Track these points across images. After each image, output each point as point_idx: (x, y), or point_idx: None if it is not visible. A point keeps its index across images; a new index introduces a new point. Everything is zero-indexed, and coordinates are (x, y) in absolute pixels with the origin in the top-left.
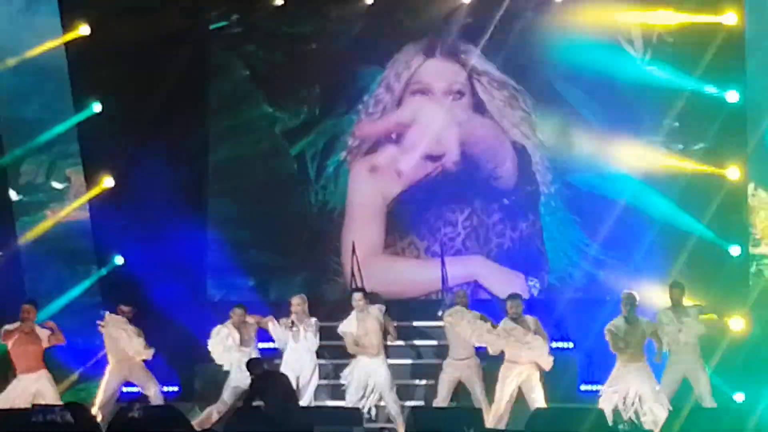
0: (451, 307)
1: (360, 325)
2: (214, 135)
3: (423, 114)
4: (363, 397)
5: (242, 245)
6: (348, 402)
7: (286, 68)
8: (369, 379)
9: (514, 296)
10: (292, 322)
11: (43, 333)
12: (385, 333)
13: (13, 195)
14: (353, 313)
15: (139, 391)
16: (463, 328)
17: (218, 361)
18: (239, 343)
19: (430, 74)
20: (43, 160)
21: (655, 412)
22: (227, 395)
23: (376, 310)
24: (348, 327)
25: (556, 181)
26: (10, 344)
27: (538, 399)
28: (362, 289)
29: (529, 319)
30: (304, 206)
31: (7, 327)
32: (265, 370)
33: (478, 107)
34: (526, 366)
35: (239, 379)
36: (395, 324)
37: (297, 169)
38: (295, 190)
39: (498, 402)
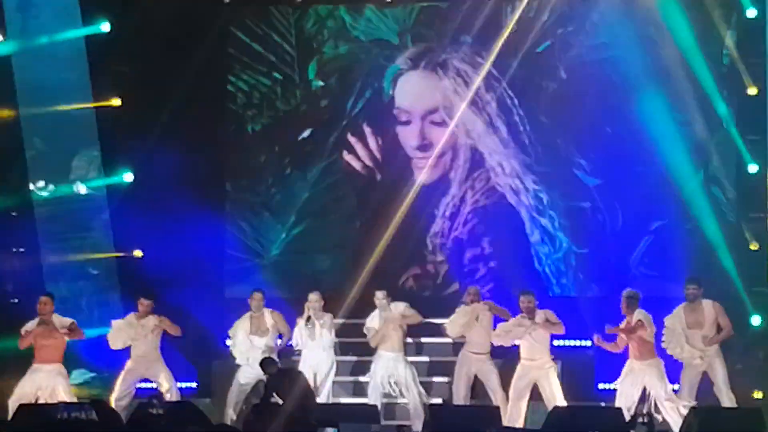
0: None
1: (382, 322)
2: (233, 132)
3: None
4: (385, 394)
5: (260, 240)
6: (370, 399)
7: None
8: (390, 377)
9: (526, 291)
10: (308, 318)
11: (62, 325)
12: (407, 330)
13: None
14: (377, 311)
15: (155, 388)
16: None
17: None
18: (249, 331)
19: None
20: (95, 156)
21: (669, 411)
22: (234, 395)
23: (400, 308)
24: (372, 323)
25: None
26: (31, 340)
27: (555, 397)
28: (384, 289)
29: (542, 312)
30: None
31: (26, 327)
32: (280, 368)
33: None
34: (541, 363)
35: (246, 374)
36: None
37: None
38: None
39: (513, 400)
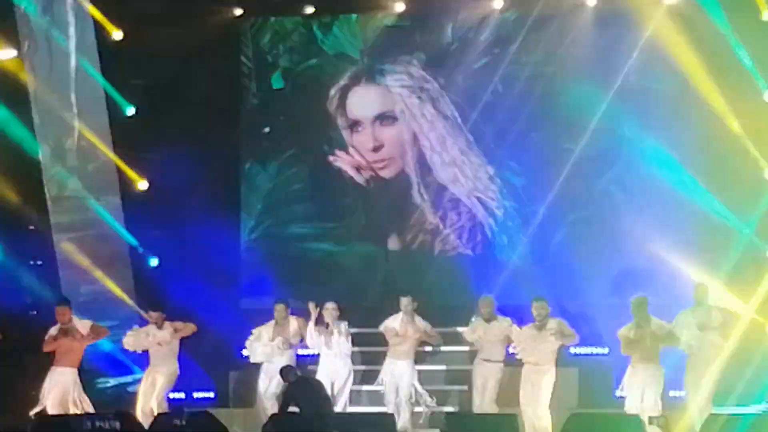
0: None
1: (402, 327)
2: (246, 137)
3: None
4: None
5: (276, 248)
6: (388, 408)
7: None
8: (398, 383)
9: (538, 298)
10: (327, 325)
11: (84, 328)
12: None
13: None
14: (400, 314)
15: (181, 398)
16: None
17: (251, 358)
18: (270, 339)
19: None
20: None
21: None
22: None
23: (422, 324)
24: (392, 323)
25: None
26: (55, 347)
27: (541, 407)
28: (411, 295)
29: (554, 321)
30: None
31: (51, 332)
32: (299, 376)
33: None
34: (546, 369)
35: (266, 383)
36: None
37: None
38: None
39: (524, 406)
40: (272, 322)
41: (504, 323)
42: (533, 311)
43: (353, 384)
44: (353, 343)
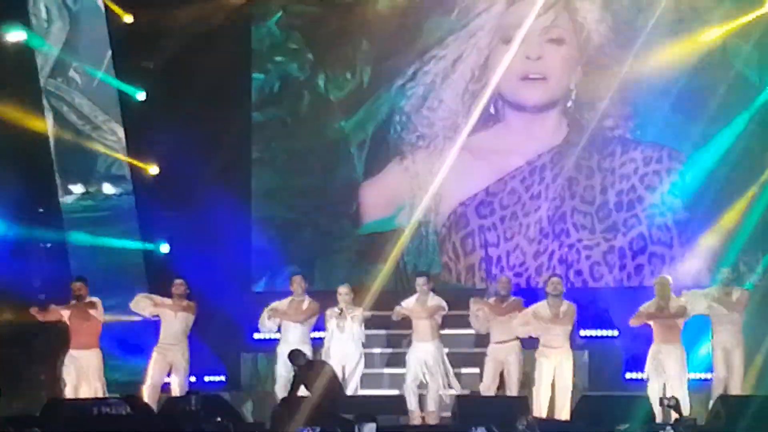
0: (496, 294)
1: (417, 306)
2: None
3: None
4: (419, 384)
5: (288, 232)
6: (405, 388)
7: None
8: (422, 365)
9: (556, 275)
10: (341, 311)
11: (97, 306)
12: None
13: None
14: (416, 295)
15: (192, 381)
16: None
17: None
18: (285, 311)
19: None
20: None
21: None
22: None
23: (435, 301)
24: (407, 303)
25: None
26: (66, 317)
27: (568, 386)
28: (426, 273)
29: (566, 304)
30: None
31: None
32: (309, 360)
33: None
34: (561, 351)
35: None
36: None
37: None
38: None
39: (537, 388)
40: (288, 299)
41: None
42: (548, 287)
43: (365, 367)
44: (376, 326)
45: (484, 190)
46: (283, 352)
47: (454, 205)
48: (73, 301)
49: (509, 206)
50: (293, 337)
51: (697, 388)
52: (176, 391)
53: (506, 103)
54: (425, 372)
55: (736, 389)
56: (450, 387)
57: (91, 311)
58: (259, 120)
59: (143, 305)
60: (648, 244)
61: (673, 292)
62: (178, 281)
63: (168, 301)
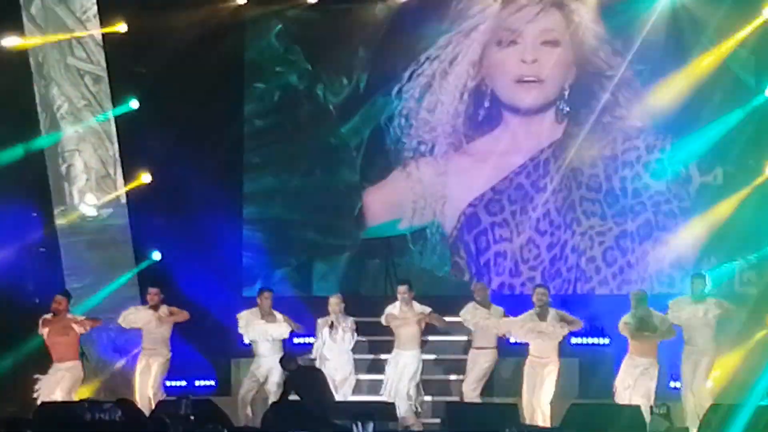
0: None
1: (401, 312)
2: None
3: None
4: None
5: (280, 237)
6: (383, 394)
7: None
8: (400, 373)
9: (541, 285)
10: (332, 323)
11: (76, 322)
12: (426, 326)
13: None
14: (398, 303)
15: (182, 386)
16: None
17: (243, 333)
18: (260, 317)
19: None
20: None
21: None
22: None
23: (420, 308)
24: (392, 310)
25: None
26: (45, 334)
27: (544, 397)
28: (408, 281)
29: (553, 311)
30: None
31: (46, 316)
32: (300, 366)
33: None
34: (548, 361)
35: (263, 365)
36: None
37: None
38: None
39: (528, 397)
40: (257, 309)
41: (498, 311)
42: (534, 298)
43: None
44: (359, 333)
45: (491, 189)
46: (256, 365)
47: (462, 206)
48: (50, 315)
49: (517, 201)
50: (264, 350)
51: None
52: (151, 391)
53: (502, 105)
54: (400, 379)
55: (697, 396)
56: (410, 400)
57: (75, 326)
58: (260, 126)
59: (126, 322)
60: (654, 230)
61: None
62: (152, 290)
63: (148, 313)
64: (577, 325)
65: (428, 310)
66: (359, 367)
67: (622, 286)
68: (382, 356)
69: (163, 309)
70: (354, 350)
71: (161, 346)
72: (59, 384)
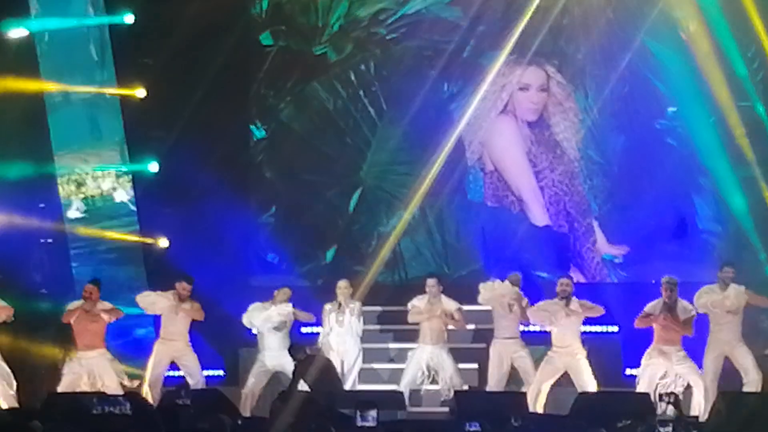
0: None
1: (427, 307)
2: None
3: None
4: (420, 381)
5: (288, 227)
6: (402, 385)
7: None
8: (427, 364)
9: (565, 276)
10: (339, 305)
11: (107, 309)
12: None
13: None
14: (426, 295)
15: (182, 376)
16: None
17: (248, 321)
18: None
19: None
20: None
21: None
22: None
23: (452, 306)
24: (418, 302)
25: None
26: (72, 321)
27: (587, 383)
28: (437, 275)
29: (575, 300)
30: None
31: (70, 306)
32: (308, 354)
33: None
34: (572, 350)
35: (269, 358)
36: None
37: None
38: None
39: (537, 383)
40: (269, 303)
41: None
42: (558, 288)
43: (364, 362)
44: (373, 322)
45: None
46: (263, 358)
47: None
48: (81, 302)
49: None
50: (270, 342)
51: None
52: (195, 383)
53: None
54: (425, 376)
55: (755, 385)
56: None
57: (104, 315)
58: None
59: (146, 303)
60: None
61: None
62: (187, 285)
63: (171, 299)
64: (597, 311)
65: (456, 307)
66: (383, 356)
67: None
68: (408, 345)
69: (187, 303)
70: (378, 340)
71: (185, 337)
72: (86, 371)
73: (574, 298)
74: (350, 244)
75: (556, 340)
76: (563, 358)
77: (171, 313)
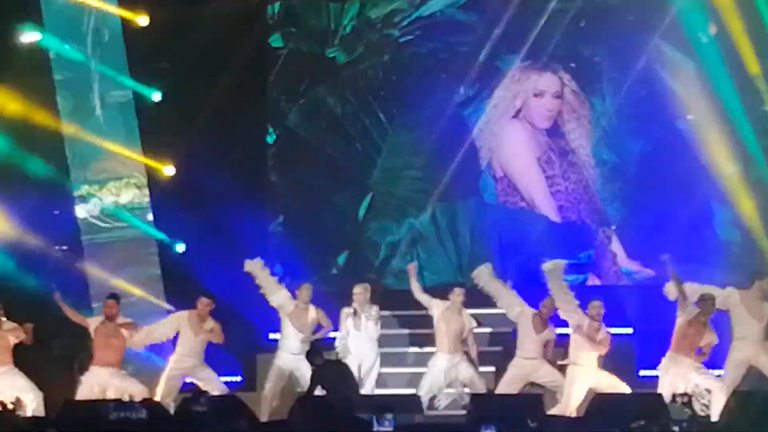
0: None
1: (445, 316)
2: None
3: None
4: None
5: (305, 232)
6: (420, 392)
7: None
8: (446, 375)
9: (596, 299)
10: (355, 310)
11: (126, 325)
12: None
13: None
14: (447, 303)
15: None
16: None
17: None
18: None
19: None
20: None
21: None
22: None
23: (469, 318)
24: (437, 306)
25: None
26: (92, 329)
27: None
28: (464, 285)
29: (604, 331)
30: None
31: (96, 318)
32: (326, 359)
33: None
34: (591, 366)
35: (286, 360)
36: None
37: None
38: None
39: (566, 402)
40: (293, 302)
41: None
42: (591, 311)
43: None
44: (392, 326)
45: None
46: (281, 362)
47: None
48: (102, 317)
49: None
50: (289, 344)
51: None
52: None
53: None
54: (442, 384)
55: None
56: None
57: (124, 331)
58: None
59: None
60: None
61: None
62: (206, 300)
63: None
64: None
65: (473, 324)
66: (401, 361)
67: None
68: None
69: (210, 323)
70: (396, 344)
71: (197, 355)
72: (98, 385)
73: (603, 326)
74: (361, 250)
75: (573, 357)
76: (587, 380)
77: (191, 333)
